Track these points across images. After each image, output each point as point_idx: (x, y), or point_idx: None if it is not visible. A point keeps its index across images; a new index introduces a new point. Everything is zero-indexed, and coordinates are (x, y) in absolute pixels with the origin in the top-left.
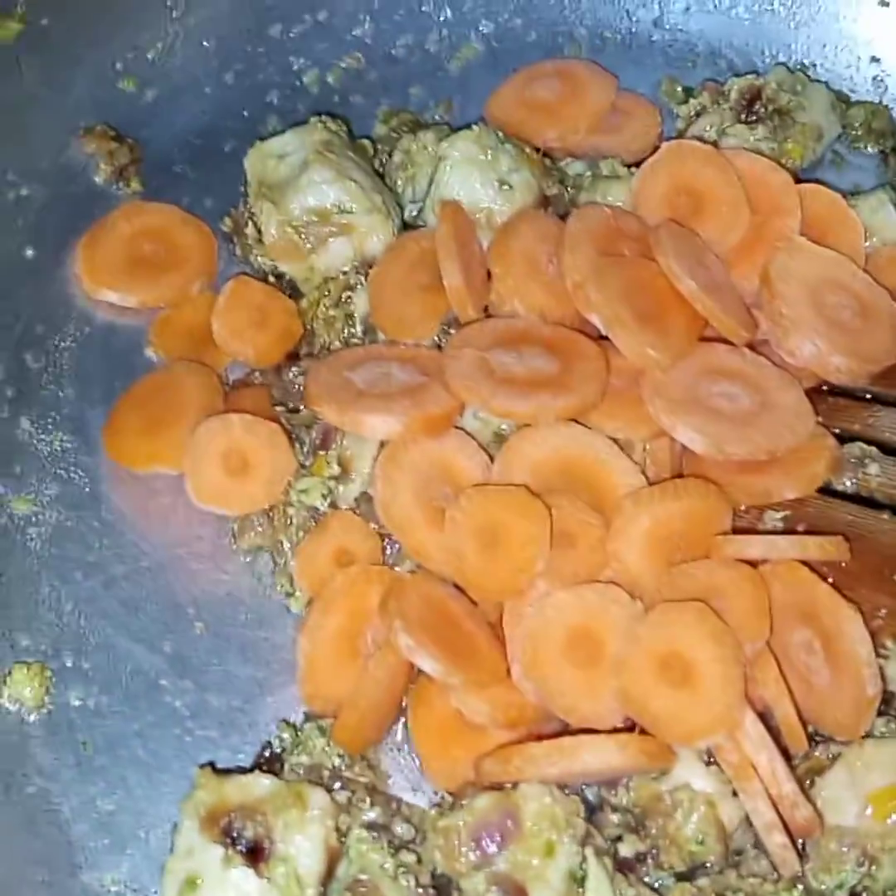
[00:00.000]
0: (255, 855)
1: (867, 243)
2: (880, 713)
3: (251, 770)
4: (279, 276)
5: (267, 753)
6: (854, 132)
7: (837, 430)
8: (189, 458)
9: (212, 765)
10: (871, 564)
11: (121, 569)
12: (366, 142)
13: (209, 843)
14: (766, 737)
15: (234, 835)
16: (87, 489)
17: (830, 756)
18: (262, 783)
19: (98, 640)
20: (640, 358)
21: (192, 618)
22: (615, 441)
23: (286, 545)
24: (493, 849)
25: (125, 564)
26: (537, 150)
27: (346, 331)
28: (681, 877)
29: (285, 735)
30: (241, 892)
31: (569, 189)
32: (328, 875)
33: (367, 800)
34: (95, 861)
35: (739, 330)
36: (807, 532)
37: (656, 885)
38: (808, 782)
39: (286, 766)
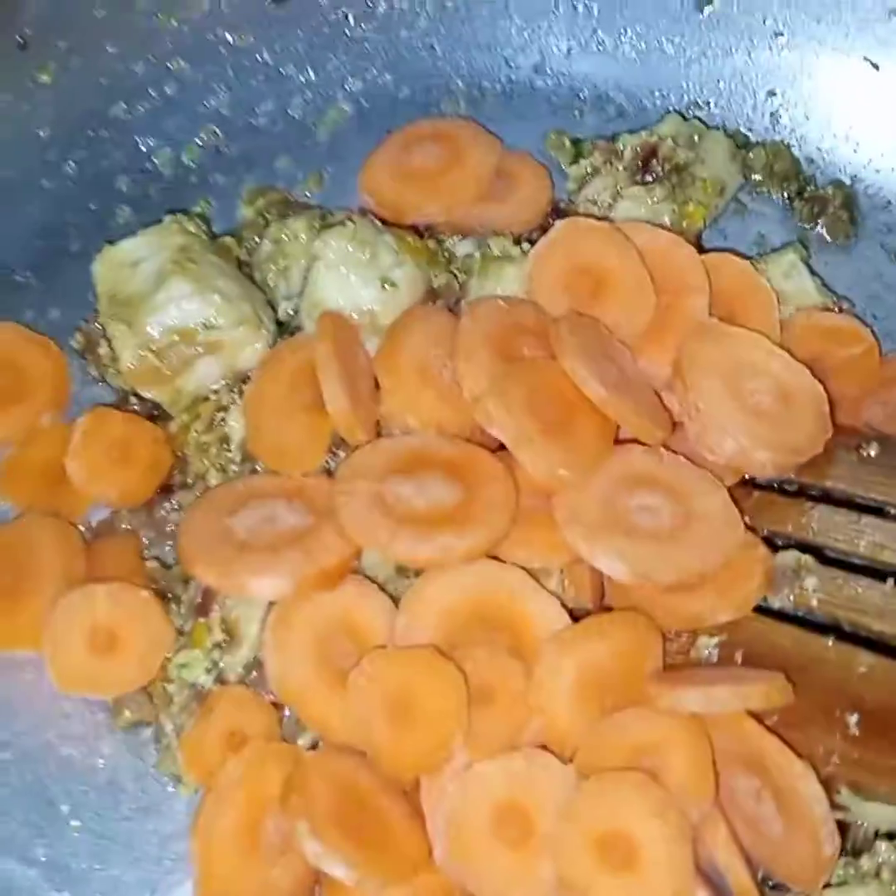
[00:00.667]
0: None
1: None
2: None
3: None
4: (142, 398)
5: None
6: (756, 177)
7: (767, 533)
8: (48, 641)
9: None
10: (819, 702)
11: None
12: (229, 240)
13: None
14: None
15: None
16: None
17: None
18: None
19: None
20: (552, 479)
21: (67, 816)
22: (529, 571)
23: (168, 727)
24: None
25: None
26: (420, 234)
27: (221, 456)
28: None
29: None
30: None
31: (458, 274)
32: None
33: None
34: None
35: (654, 430)
36: (745, 660)
37: None
38: None
39: None
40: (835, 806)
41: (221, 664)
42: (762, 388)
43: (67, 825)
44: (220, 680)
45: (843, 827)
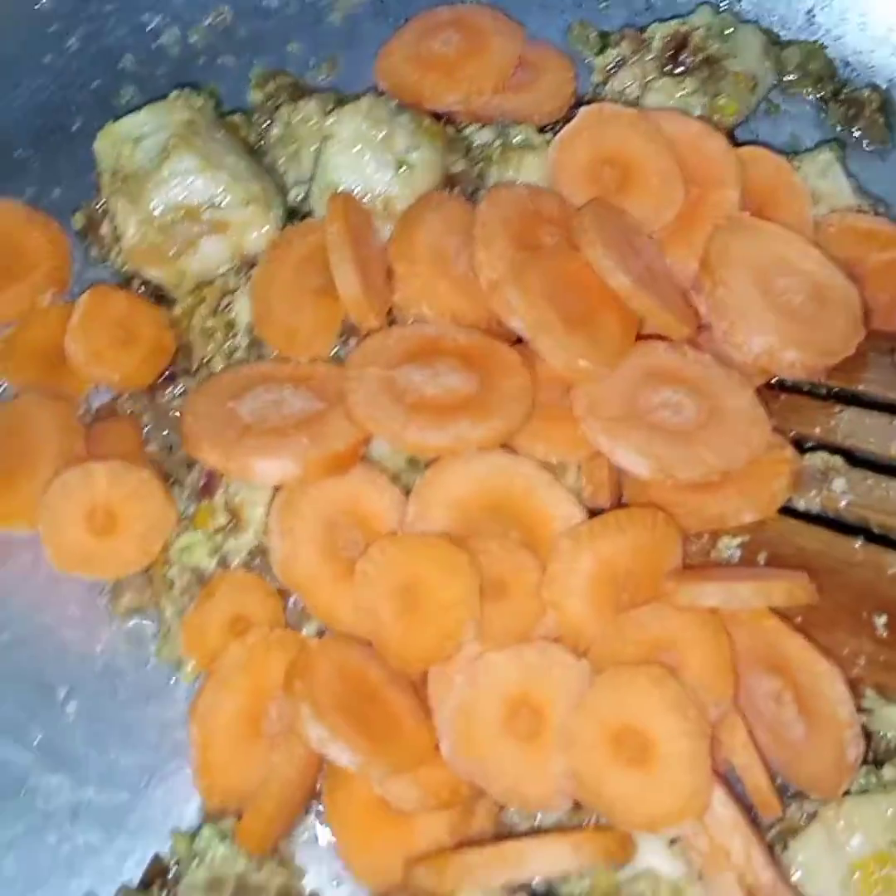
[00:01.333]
0: None
1: (814, 210)
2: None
3: (142, 892)
4: (145, 282)
5: (157, 869)
6: (789, 77)
7: (794, 435)
8: (45, 520)
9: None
10: (845, 604)
11: None
12: (237, 118)
13: None
14: (739, 819)
15: None
16: None
17: (805, 815)
18: None
19: None
20: (572, 370)
21: (63, 699)
22: (546, 465)
23: (169, 611)
24: None
25: None
26: (438, 118)
27: (227, 343)
28: None
29: (179, 847)
30: None
31: (476, 163)
32: None
33: None
34: None
35: (680, 326)
36: (768, 562)
37: None
38: (780, 845)
39: (181, 887)
40: (859, 710)
41: (225, 548)
42: (794, 287)
43: (63, 710)
44: (224, 564)
45: (866, 734)
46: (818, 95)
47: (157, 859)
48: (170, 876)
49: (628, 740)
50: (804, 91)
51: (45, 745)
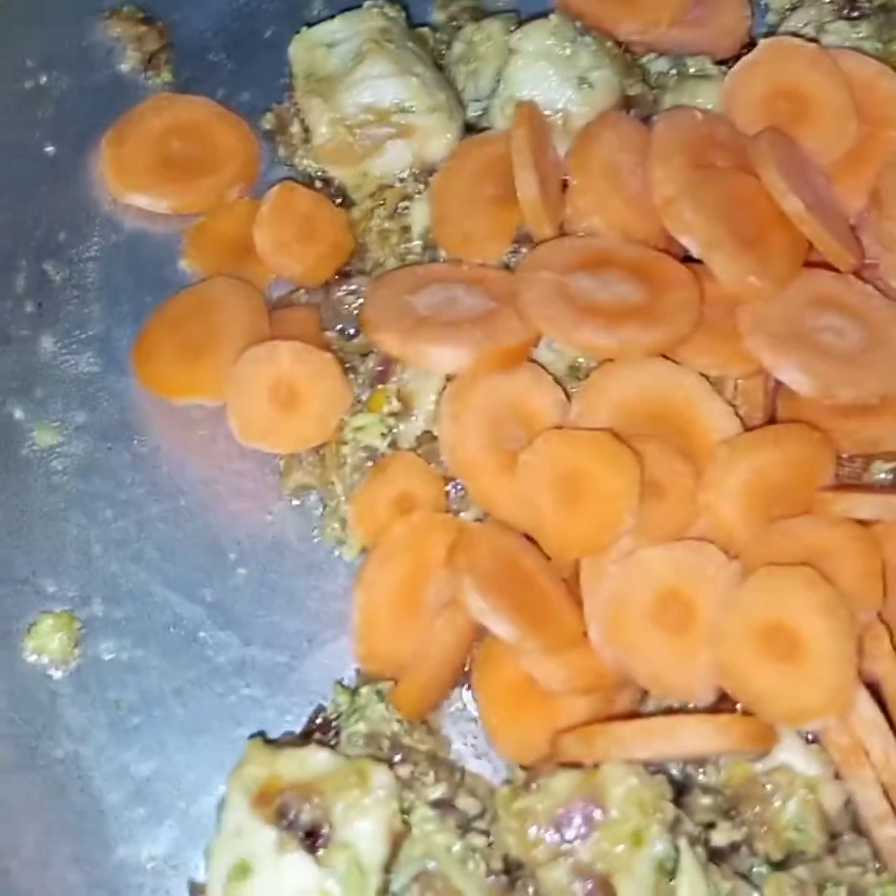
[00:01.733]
0: (313, 839)
1: None
2: None
3: (304, 739)
4: (327, 182)
5: (319, 720)
6: None
7: None
8: (232, 391)
9: (262, 735)
10: None
11: (155, 508)
12: (425, 30)
13: (261, 825)
14: (881, 719)
15: (290, 816)
16: (116, 417)
17: None
18: (319, 758)
19: (131, 587)
20: (741, 286)
21: (233, 563)
22: (707, 379)
23: (339, 487)
24: (574, 836)
25: (160, 503)
26: (618, 44)
27: (402, 246)
28: (776, 865)
29: (340, 698)
30: (299, 880)
31: (652, 89)
32: (391, 859)
33: (431, 774)
34: (131, 834)
35: (847, 255)
36: None
37: (750, 873)
38: None
39: (344, 736)
40: None
41: (395, 432)
42: None
43: (233, 572)
44: (394, 447)
45: None
46: None
47: (320, 709)
48: (331, 728)
49: (777, 637)
50: None
51: (215, 603)
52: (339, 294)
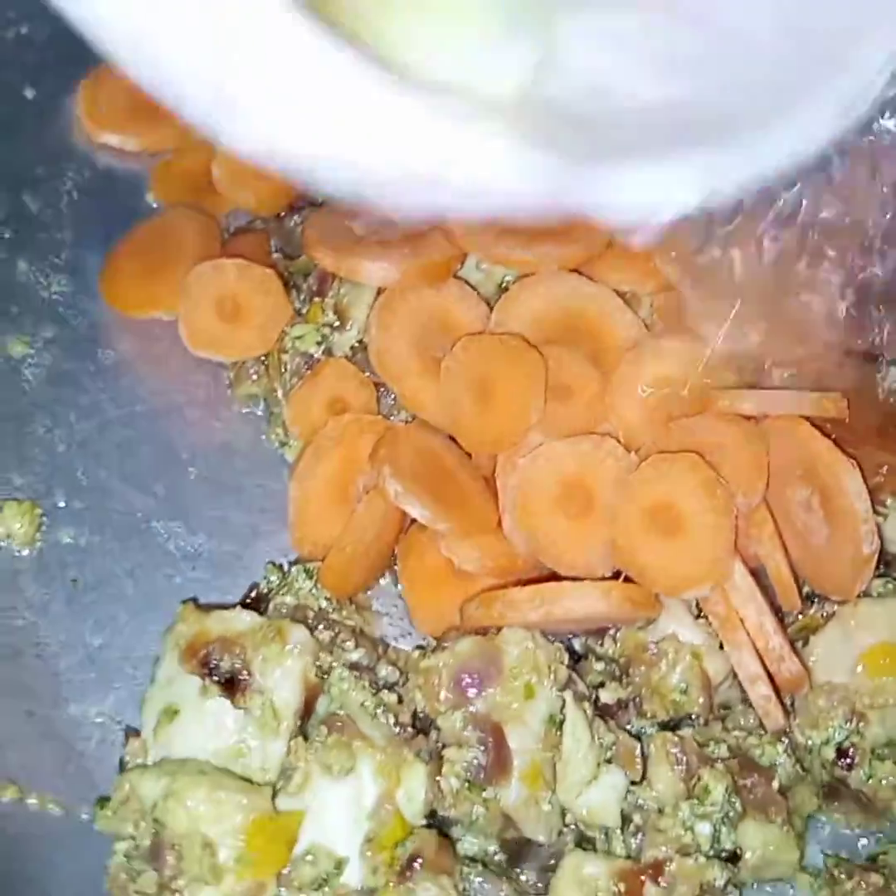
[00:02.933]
0: (233, 686)
1: None
2: (878, 574)
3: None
4: None
5: (253, 594)
6: None
7: None
8: (183, 305)
9: (195, 600)
10: (874, 422)
11: (115, 412)
12: None
13: (187, 675)
14: (755, 590)
15: (212, 666)
16: (83, 333)
17: (824, 615)
18: (243, 618)
19: (90, 481)
20: None
21: (185, 463)
22: (621, 295)
23: (280, 392)
24: (472, 690)
25: (120, 408)
26: None
27: None
28: (663, 726)
29: (272, 576)
30: (218, 722)
31: None
32: (307, 711)
33: (352, 641)
34: (81, 694)
35: None
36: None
37: (638, 733)
38: (801, 642)
39: (271, 606)
40: (877, 512)
41: (331, 341)
42: None
43: (185, 470)
44: (329, 355)
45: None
46: None
47: (253, 586)
48: (263, 601)
49: (663, 516)
50: None
51: (167, 497)
52: (291, 224)
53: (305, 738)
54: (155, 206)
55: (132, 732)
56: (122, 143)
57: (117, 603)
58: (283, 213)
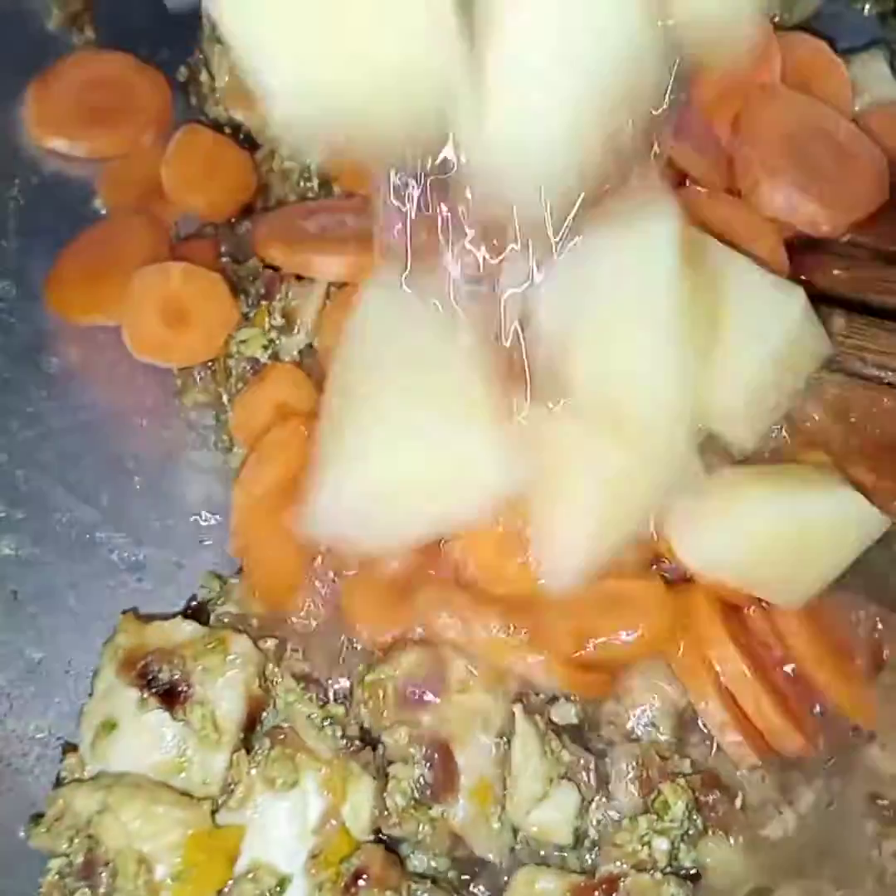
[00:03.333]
0: (172, 698)
1: (858, 101)
2: None
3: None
4: (235, 128)
5: (194, 603)
6: None
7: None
8: (126, 310)
9: (135, 611)
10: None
11: (60, 421)
12: None
13: (125, 687)
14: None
15: (151, 677)
16: (27, 340)
17: None
18: (183, 628)
19: (32, 491)
20: None
21: (131, 472)
22: None
23: (226, 398)
24: (418, 705)
25: (64, 417)
26: None
27: (301, 183)
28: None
29: (213, 584)
30: (157, 735)
31: None
32: (250, 724)
33: (300, 650)
34: (21, 708)
35: (711, 172)
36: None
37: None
38: None
39: (212, 616)
40: None
41: (278, 344)
42: (820, 151)
43: (130, 479)
44: (276, 359)
45: None
46: (878, 11)
47: (194, 596)
48: (204, 612)
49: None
50: (863, 7)
51: (111, 507)
52: (242, 230)
53: (249, 751)
54: (103, 212)
55: (70, 747)
56: (70, 149)
57: (59, 615)
58: (233, 220)
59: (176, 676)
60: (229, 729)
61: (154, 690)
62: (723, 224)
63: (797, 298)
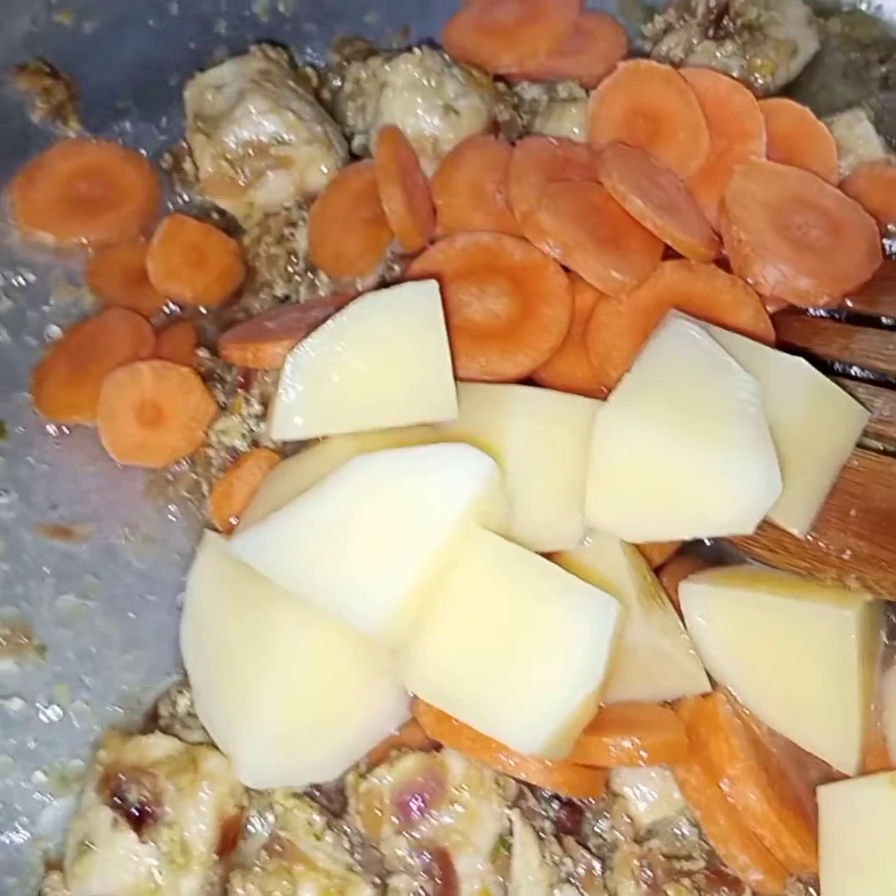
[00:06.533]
0: (142, 819)
1: (843, 163)
2: None
3: (152, 721)
4: (220, 214)
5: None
6: (835, 43)
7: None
8: (101, 414)
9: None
10: (836, 504)
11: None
12: (309, 70)
13: (101, 805)
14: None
15: (123, 797)
16: (20, 433)
17: None
18: (160, 744)
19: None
20: (606, 282)
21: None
22: None
23: (205, 488)
24: (416, 813)
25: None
26: (487, 73)
27: (288, 268)
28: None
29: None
30: (128, 857)
31: (523, 115)
32: (227, 844)
33: None
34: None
35: (699, 248)
36: None
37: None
38: None
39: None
40: None
41: (257, 433)
42: (810, 222)
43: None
44: (256, 446)
45: None
46: (863, 61)
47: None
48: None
49: None
50: (848, 57)
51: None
52: (231, 313)
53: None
54: (92, 303)
55: (53, 863)
56: (57, 240)
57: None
58: (225, 305)
59: (145, 797)
60: (200, 851)
61: (125, 811)
62: (707, 297)
63: (805, 372)
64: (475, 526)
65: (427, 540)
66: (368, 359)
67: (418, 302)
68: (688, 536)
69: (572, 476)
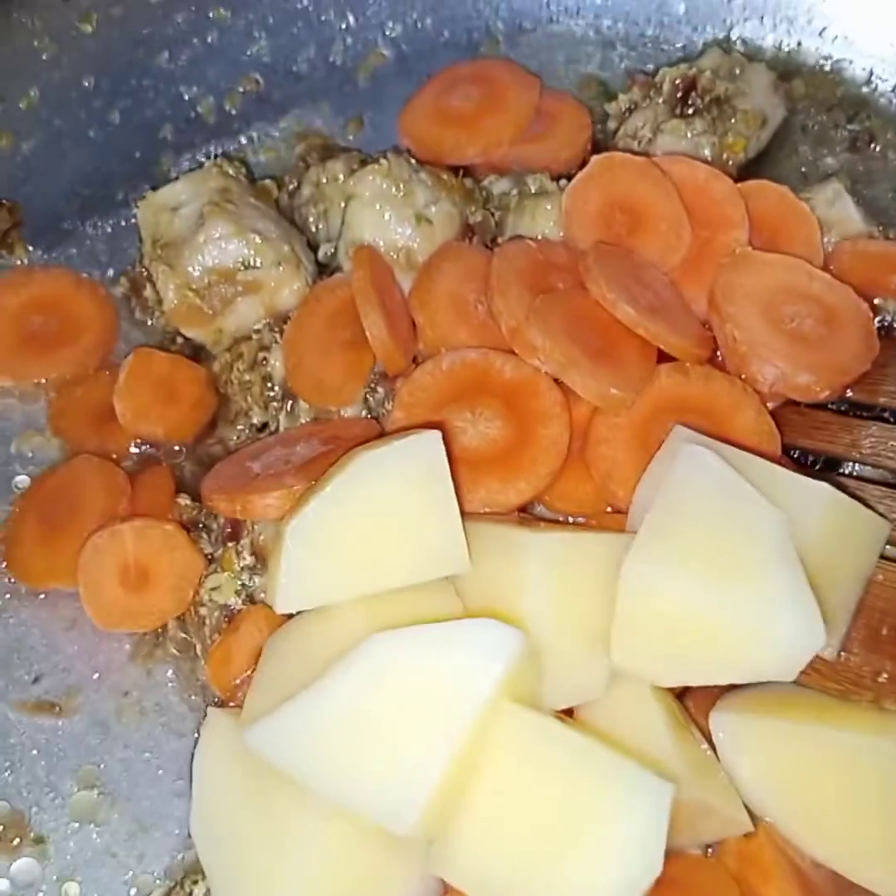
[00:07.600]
0: None
1: (826, 239)
2: None
3: None
4: (186, 340)
5: None
6: (801, 107)
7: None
8: (82, 582)
9: None
10: (865, 622)
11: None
12: (268, 183)
13: None
14: None
15: None
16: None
17: None
18: None
19: None
20: (604, 399)
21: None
22: None
23: (199, 648)
24: None
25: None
26: (456, 172)
27: (264, 394)
28: None
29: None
30: None
31: (494, 212)
32: None
33: None
34: None
35: (693, 349)
36: None
37: None
38: None
39: None
40: None
41: (251, 587)
42: (803, 312)
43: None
44: (251, 601)
45: None
46: (831, 123)
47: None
48: None
49: None
50: (817, 121)
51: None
52: (205, 446)
53: None
54: (57, 446)
55: None
56: (12, 383)
57: None
58: (199, 436)
59: None
60: None
61: None
62: (706, 400)
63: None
64: (507, 702)
65: (457, 725)
66: (373, 520)
67: (422, 455)
68: (725, 682)
69: (595, 619)
